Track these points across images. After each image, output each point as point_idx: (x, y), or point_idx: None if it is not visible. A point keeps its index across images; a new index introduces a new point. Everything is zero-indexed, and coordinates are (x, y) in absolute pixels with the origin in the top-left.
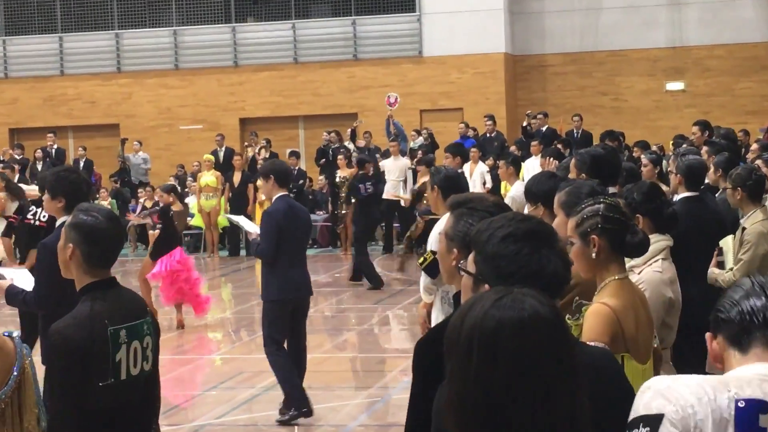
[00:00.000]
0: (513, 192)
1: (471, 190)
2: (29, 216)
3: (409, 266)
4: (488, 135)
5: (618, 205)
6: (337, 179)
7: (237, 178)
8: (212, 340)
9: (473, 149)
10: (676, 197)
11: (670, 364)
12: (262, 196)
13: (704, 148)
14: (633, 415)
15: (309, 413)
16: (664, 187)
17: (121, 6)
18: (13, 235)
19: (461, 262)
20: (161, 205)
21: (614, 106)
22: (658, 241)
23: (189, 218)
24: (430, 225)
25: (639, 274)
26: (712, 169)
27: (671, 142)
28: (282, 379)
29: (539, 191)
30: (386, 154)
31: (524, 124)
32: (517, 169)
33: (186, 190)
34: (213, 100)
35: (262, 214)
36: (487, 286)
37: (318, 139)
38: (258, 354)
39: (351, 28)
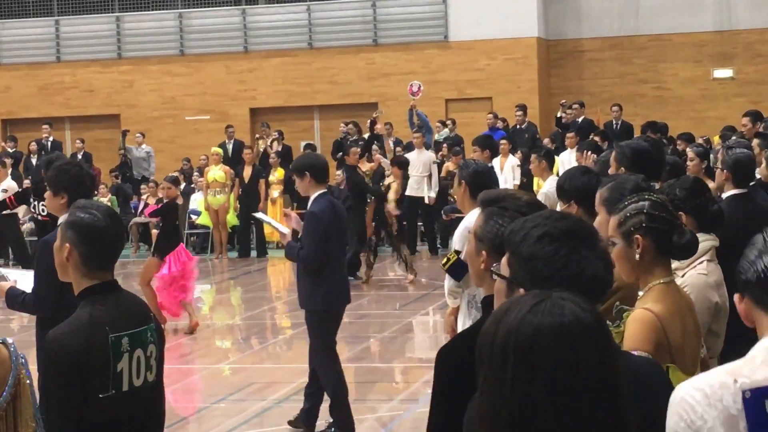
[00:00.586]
0: (546, 188)
1: (501, 185)
2: (32, 209)
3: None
4: (519, 126)
5: (664, 203)
6: None
7: (247, 173)
8: (220, 348)
9: (503, 142)
10: (723, 195)
11: None
12: (274, 193)
13: (755, 141)
14: None
15: None
16: (710, 184)
17: None
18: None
19: (494, 265)
20: (165, 199)
21: (656, 95)
22: (703, 242)
23: (195, 216)
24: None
25: (682, 277)
26: (763, 164)
27: (719, 134)
28: (334, 397)
29: (572, 188)
30: (409, 147)
31: (558, 114)
32: (550, 163)
33: (192, 185)
34: (221, 88)
35: (307, 214)
36: (522, 291)
37: (335, 130)
38: (270, 363)
39: (371, 11)
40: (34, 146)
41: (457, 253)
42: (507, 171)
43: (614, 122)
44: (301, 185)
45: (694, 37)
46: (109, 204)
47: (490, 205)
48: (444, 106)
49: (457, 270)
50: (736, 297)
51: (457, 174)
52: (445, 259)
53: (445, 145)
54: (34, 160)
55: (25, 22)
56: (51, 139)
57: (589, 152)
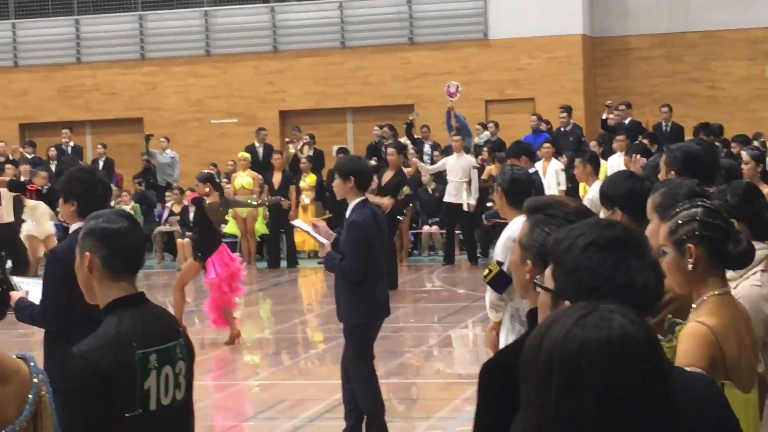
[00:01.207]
0: (591, 194)
1: (546, 192)
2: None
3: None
4: (563, 129)
5: (718, 209)
6: None
7: (277, 178)
8: (249, 364)
9: (546, 145)
10: None
11: None
12: (306, 200)
13: None
14: None
15: None
16: (765, 189)
17: None
18: None
19: (537, 276)
20: (186, 202)
21: (709, 95)
22: (758, 250)
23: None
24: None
25: (735, 288)
26: None
27: None
28: (371, 412)
29: (616, 193)
30: (447, 151)
31: (603, 116)
32: (596, 167)
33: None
34: (249, 90)
35: (348, 223)
36: (567, 303)
37: (369, 134)
38: (301, 380)
39: (406, 7)
40: (53, 152)
41: (500, 264)
42: (550, 176)
43: (664, 124)
44: (342, 188)
45: (749, 33)
46: (131, 212)
47: (536, 213)
48: (483, 107)
49: (500, 282)
50: None
51: (496, 181)
52: (486, 271)
53: (485, 148)
54: (53, 166)
55: (44, 22)
56: (71, 144)
57: (638, 156)
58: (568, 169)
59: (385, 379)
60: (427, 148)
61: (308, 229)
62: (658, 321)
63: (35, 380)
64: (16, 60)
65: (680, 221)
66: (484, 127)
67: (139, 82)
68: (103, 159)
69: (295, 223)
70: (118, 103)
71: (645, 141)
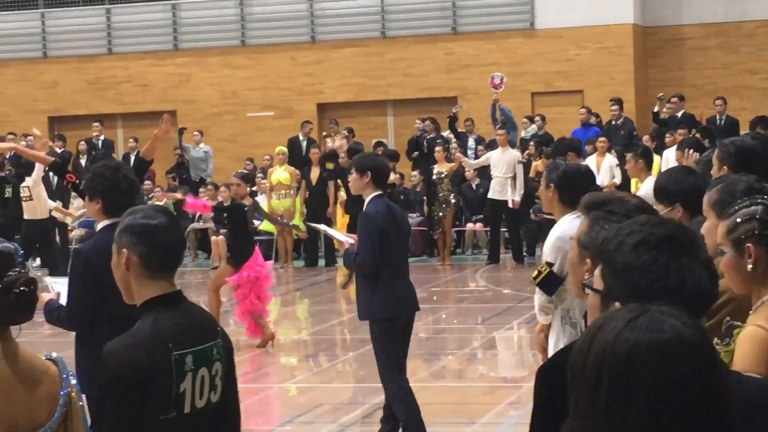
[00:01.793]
0: (644, 190)
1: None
2: None
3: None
4: (614, 122)
5: None
6: (434, 176)
7: (315, 174)
8: (286, 366)
9: (602, 139)
10: None
11: None
12: (344, 195)
13: None
14: None
15: None
16: None
17: None
18: None
19: (586, 277)
20: (234, 198)
21: (766, 87)
22: None
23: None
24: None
25: None
26: None
27: None
28: (405, 416)
29: (677, 189)
30: (492, 145)
31: (655, 109)
32: (648, 162)
33: (254, 188)
34: (286, 82)
35: (360, 216)
36: (617, 305)
37: (410, 127)
38: (340, 383)
39: None
40: (83, 146)
41: (549, 265)
42: (604, 171)
43: (718, 117)
44: (358, 183)
45: None
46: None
47: (595, 209)
48: (530, 100)
49: (549, 283)
50: None
51: (544, 176)
52: (535, 272)
53: (532, 143)
54: (83, 161)
55: (74, 12)
56: (102, 137)
57: (691, 150)
58: (619, 164)
59: (427, 382)
60: (471, 142)
61: (326, 229)
62: (714, 323)
63: (64, 381)
64: (46, 51)
65: (739, 219)
66: (531, 120)
67: (172, 74)
68: (135, 153)
69: (316, 226)
70: (151, 95)
71: (698, 135)
